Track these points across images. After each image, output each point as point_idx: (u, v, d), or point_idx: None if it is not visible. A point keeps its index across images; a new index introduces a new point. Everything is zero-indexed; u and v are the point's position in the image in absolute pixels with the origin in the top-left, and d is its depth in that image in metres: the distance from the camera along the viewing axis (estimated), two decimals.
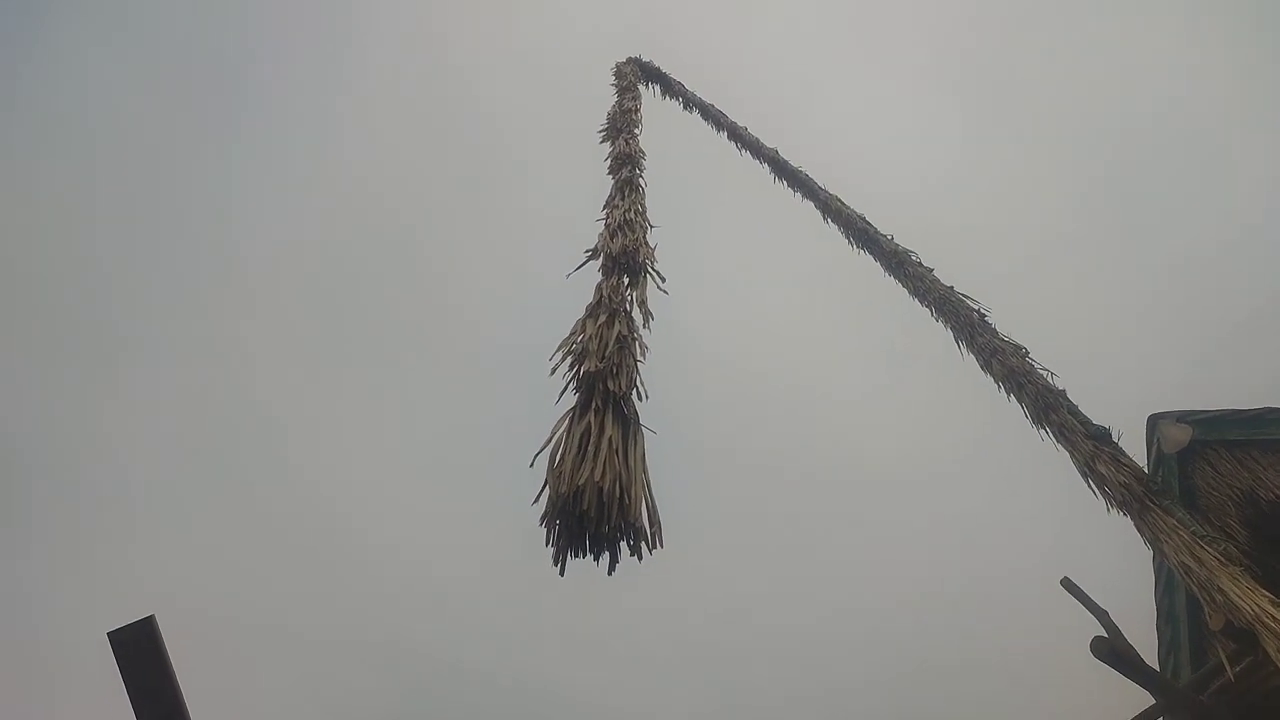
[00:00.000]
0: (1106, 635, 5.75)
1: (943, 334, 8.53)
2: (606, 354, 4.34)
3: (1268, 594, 5.23)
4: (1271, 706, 5.42)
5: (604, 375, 4.16)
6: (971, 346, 8.03)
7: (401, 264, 35.60)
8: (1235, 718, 5.43)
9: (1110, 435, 6.75)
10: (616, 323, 4.71)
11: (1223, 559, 5.62)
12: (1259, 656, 5.18)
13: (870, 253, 9.68)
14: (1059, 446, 6.89)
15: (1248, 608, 5.15)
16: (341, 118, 36.86)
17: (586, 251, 5.73)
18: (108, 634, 4.29)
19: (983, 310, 8.40)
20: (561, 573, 3.38)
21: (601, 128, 9.63)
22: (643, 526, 3.48)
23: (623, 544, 3.45)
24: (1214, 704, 5.47)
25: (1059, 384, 7.28)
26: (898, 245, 9.50)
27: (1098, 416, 6.89)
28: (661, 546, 3.50)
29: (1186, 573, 5.61)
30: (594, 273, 5.45)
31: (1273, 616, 5.07)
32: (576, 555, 3.42)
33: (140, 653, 4.27)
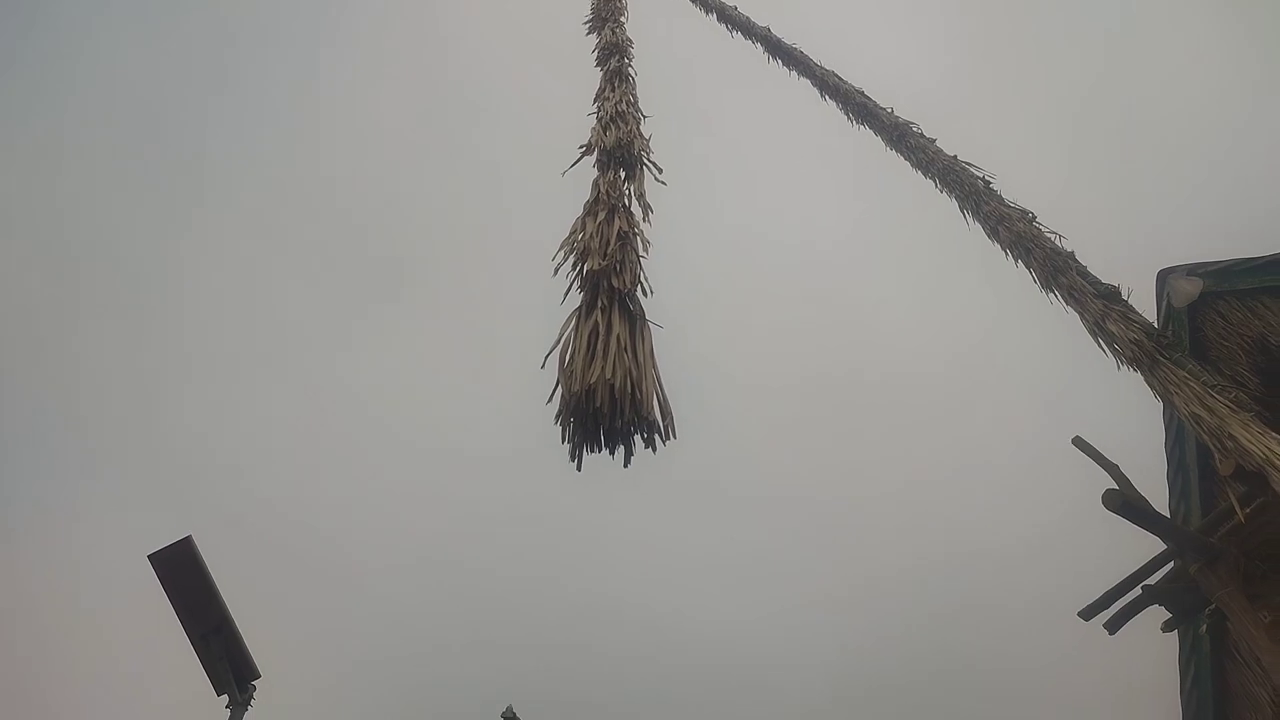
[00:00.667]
0: (1118, 488, 5.88)
1: (948, 205, 8.42)
2: (608, 252, 4.32)
3: (1278, 436, 5.30)
4: None
5: (607, 273, 4.15)
6: (977, 215, 7.92)
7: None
8: (1243, 555, 5.60)
9: (1119, 293, 6.71)
10: (616, 219, 4.66)
11: (1233, 406, 5.67)
12: (1269, 497, 5.29)
13: (870, 127, 9.46)
14: (1068, 309, 6.87)
15: (1258, 451, 5.23)
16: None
17: (580, 147, 5.62)
18: (148, 556, 4.45)
19: (988, 177, 8.25)
20: (579, 468, 3.46)
21: (587, 19, 9.30)
22: (655, 420, 3.54)
23: (636, 437, 3.52)
24: (1223, 545, 5.62)
25: (1067, 246, 7.21)
26: (898, 118, 9.26)
27: (1107, 276, 6.84)
28: (675, 438, 3.57)
29: (1197, 422, 5.67)
30: (589, 169, 5.36)
31: None
32: (592, 451, 3.50)
33: (181, 572, 4.44)
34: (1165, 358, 6.15)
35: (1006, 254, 7.56)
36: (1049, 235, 7.36)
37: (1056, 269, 7.05)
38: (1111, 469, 6.27)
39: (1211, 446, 5.74)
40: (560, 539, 31.77)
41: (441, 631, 28.10)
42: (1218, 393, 5.83)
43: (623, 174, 5.21)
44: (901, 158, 9.08)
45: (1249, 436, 5.39)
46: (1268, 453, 5.22)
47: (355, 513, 31.64)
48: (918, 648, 26.99)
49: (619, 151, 5.39)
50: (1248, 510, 5.53)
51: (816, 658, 27.76)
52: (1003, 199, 7.85)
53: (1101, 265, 7.05)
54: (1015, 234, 7.48)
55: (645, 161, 5.46)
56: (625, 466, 3.50)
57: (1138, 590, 5.87)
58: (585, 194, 5.04)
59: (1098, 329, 6.60)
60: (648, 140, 5.74)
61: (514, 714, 6.05)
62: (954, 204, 8.24)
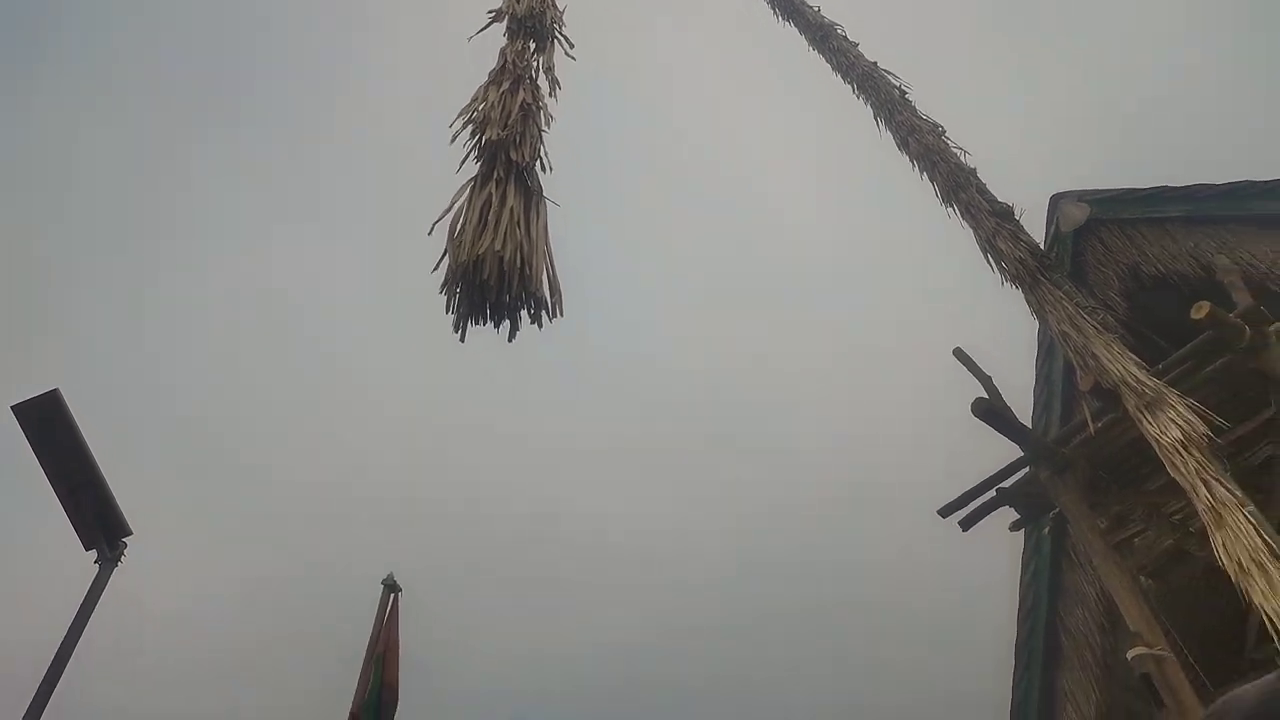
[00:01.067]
0: (987, 397, 6.22)
1: (863, 111, 8.44)
2: (509, 123, 4.19)
3: (1135, 358, 5.67)
4: (1125, 456, 6.03)
5: (506, 145, 4.03)
6: (890, 124, 7.97)
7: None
8: (1090, 466, 6.05)
9: (1013, 213, 6.94)
10: (521, 90, 4.51)
11: (1100, 327, 6.03)
12: (1119, 413, 5.69)
13: (795, 25, 9.31)
14: (964, 224, 7.07)
15: (1116, 370, 5.59)
16: None
17: (490, 13, 5.36)
18: (11, 407, 4.26)
19: (904, 88, 8.28)
20: (462, 339, 3.44)
21: None
22: (543, 296, 3.53)
23: (523, 312, 3.51)
24: (1074, 455, 6.06)
25: (971, 163, 7.36)
26: (824, 18, 9.13)
27: (1006, 196, 7.06)
28: (562, 315, 3.57)
29: (1065, 340, 6.02)
30: (499, 36, 5.14)
31: (1136, 378, 5.52)
32: (477, 323, 3.47)
33: (48, 425, 4.28)
34: (1045, 277, 6.45)
35: (914, 165, 7.67)
36: (955, 150, 7.50)
37: (958, 184, 7.22)
38: (985, 380, 6.60)
39: (1075, 363, 6.12)
40: (461, 425, 31.99)
41: (326, 505, 28.23)
42: (1088, 314, 6.18)
43: (532, 45, 5.01)
44: (824, 59, 9.00)
45: (1109, 356, 5.75)
46: (1124, 372, 5.60)
47: (246, 394, 30.96)
48: (796, 541, 28.70)
49: (530, 21, 5.16)
50: (1099, 424, 5.94)
51: (702, 550, 29.14)
52: (916, 110, 7.91)
53: (1002, 186, 7.27)
54: (924, 146, 7.58)
55: (556, 34, 5.26)
56: (509, 341, 3.50)
57: (992, 492, 6.30)
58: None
59: (988, 245, 6.84)
60: (561, 12, 5.52)
61: (394, 581, 6.17)
62: (869, 111, 8.26)
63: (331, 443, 30.73)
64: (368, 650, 5.93)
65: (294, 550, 26.82)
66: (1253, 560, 4.60)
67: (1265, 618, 4.36)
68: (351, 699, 5.85)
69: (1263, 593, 4.47)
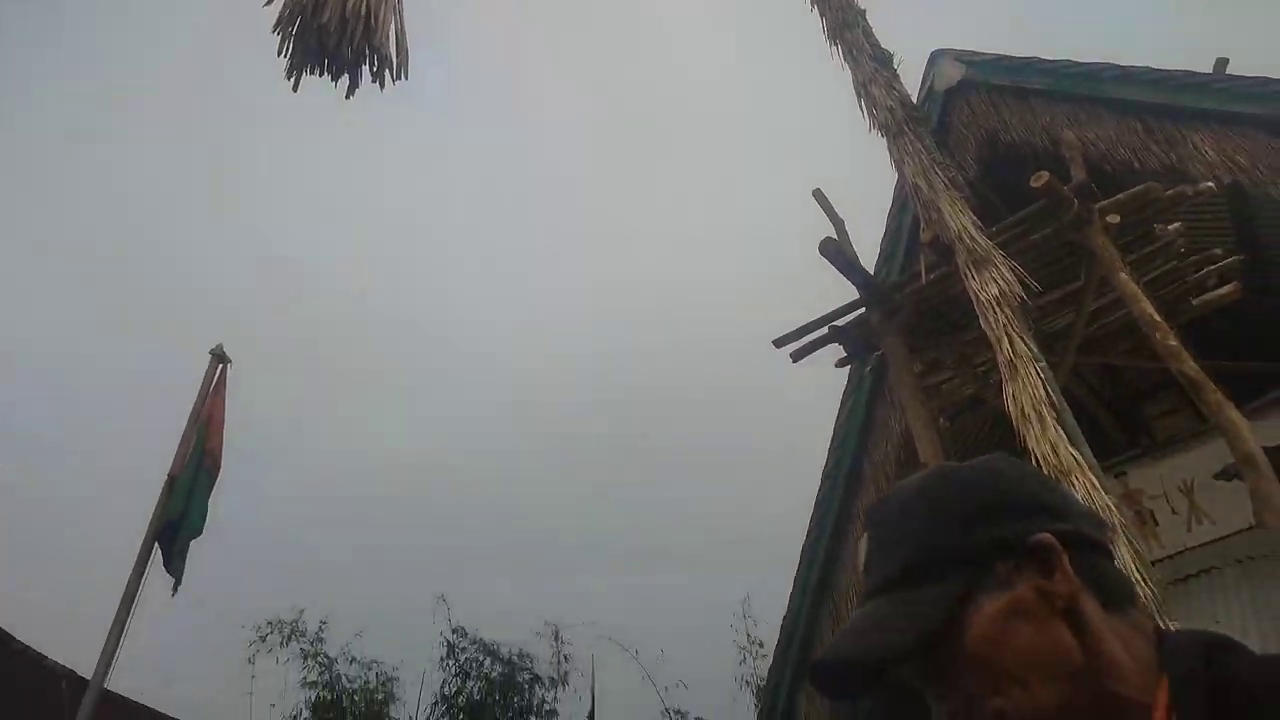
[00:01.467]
0: (836, 239, 6.44)
1: None
2: None
3: (973, 218, 5.97)
4: (948, 308, 6.45)
5: None
6: None
7: None
8: (916, 313, 6.44)
9: (892, 61, 6.98)
10: None
11: (949, 184, 6.29)
12: (950, 267, 6.03)
13: None
14: (844, 65, 7.06)
15: (954, 226, 5.89)
16: None
17: None
18: None
19: None
20: (295, 88, 3.19)
21: None
22: (388, 53, 3.30)
23: (364, 69, 3.28)
24: (904, 300, 6.43)
25: (862, 4, 7.28)
26: None
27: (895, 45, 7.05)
28: (406, 79, 3.36)
29: (916, 192, 6.24)
30: None
31: (971, 235, 5.84)
32: (312, 73, 3.23)
33: None
34: (910, 129, 6.60)
35: None
36: None
37: (846, 23, 7.16)
38: (838, 224, 6.81)
39: (920, 215, 6.39)
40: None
41: (155, 266, 26.88)
42: (941, 169, 6.42)
43: None
44: None
45: (952, 212, 6.02)
46: (961, 229, 5.90)
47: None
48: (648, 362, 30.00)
49: None
50: (931, 275, 6.29)
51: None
52: None
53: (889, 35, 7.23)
54: None
55: None
56: (347, 98, 3.28)
57: (825, 329, 6.64)
58: None
59: (862, 90, 6.88)
60: None
61: (223, 352, 5.99)
62: None
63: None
64: (190, 416, 5.82)
65: (123, 325, 25.60)
66: (1034, 409, 5.11)
67: (1035, 459, 4.89)
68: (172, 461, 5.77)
69: (1036, 437, 5.00)
